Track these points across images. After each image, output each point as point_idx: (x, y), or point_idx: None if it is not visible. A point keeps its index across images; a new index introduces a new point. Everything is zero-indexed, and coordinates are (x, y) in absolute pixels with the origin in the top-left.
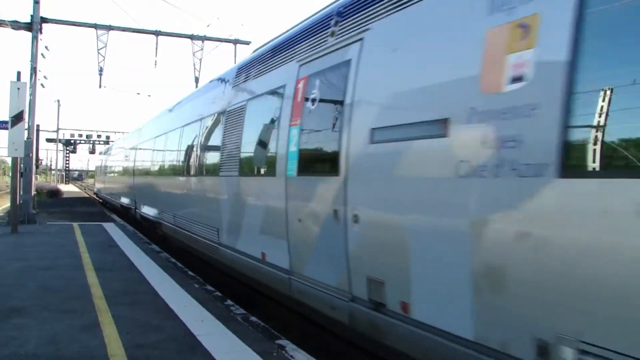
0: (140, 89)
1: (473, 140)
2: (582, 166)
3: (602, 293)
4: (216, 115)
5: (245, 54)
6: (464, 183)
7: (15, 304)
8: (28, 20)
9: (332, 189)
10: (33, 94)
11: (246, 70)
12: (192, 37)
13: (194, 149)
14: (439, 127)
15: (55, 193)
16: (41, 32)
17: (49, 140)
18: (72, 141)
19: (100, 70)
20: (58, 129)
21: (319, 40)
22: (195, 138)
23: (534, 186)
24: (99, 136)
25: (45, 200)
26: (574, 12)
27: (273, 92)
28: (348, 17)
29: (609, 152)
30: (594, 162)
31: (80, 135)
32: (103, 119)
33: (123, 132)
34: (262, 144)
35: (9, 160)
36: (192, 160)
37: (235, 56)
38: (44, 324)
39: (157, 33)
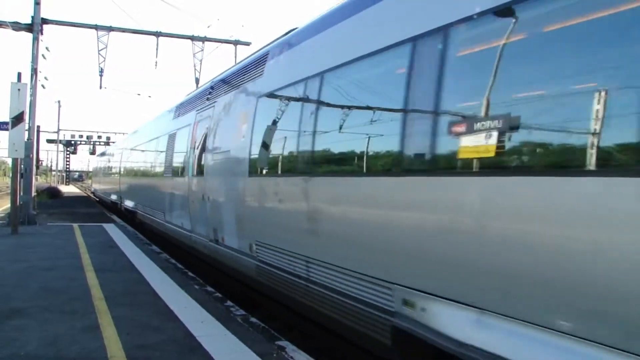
0: (140, 90)
1: (232, 160)
2: (252, 173)
3: (263, 223)
4: (164, 135)
5: (245, 54)
6: (231, 178)
7: (16, 305)
8: (29, 21)
9: (201, 183)
10: (33, 95)
11: (179, 109)
12: (192, 38)
13: (153, 157)
14: (228, 152)
15: (54, 193)
16: (42, 33)
17: (49, 141)
18: (73, 142)
19: (101, 71)
20: (59, 129)
21: (204, 100)
22: (155, 150)
23: (244, 179)
24: (99, 137)
25: (46, 201)
26: (254, 112)
27: (187, 127)
28: (213, 91)
29: (263, 168)
30: (257, 171)
31: (81, 136)
32: (103, 120)
33: (123, 133)
34: (183, 156)
35: (9, 161)
36: (152, 165)
37: (235, 57)
38: (45, 325)
39: (157, 34)
